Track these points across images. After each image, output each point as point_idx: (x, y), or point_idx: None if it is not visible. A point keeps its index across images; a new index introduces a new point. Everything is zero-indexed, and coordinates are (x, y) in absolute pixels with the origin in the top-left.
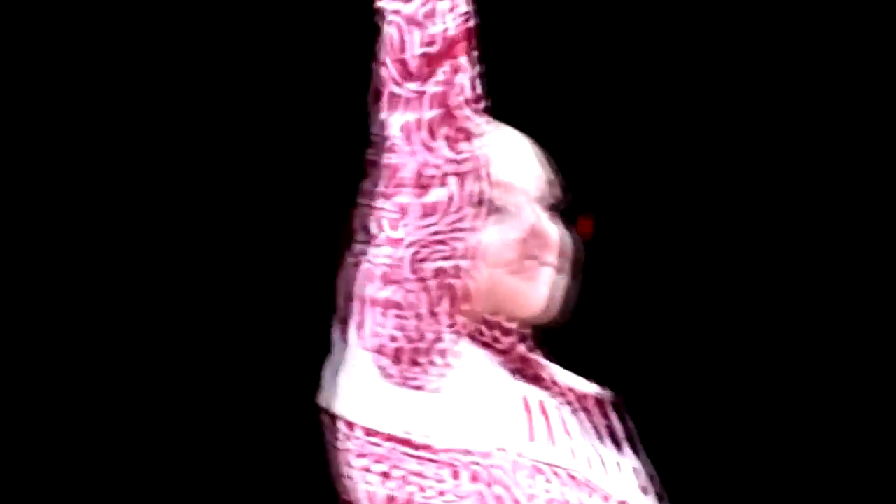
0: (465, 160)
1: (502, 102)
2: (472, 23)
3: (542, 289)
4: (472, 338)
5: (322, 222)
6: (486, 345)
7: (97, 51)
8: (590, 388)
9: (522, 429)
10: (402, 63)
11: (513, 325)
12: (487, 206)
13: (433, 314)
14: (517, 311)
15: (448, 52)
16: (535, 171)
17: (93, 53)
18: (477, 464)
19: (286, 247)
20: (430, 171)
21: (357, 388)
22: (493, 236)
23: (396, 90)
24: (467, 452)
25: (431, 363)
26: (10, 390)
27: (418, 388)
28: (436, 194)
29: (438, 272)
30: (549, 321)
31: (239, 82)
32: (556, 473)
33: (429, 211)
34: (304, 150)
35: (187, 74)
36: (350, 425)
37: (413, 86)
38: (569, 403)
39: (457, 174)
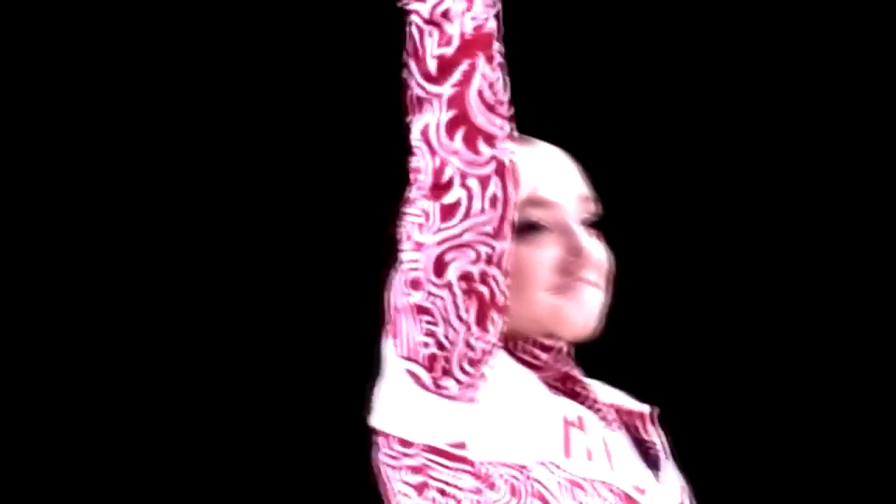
0: (486, 162)
1: (529, 117)
2: (492, 25)
3: (584, 307)
4: (511, 353)
5: (373, 232)
6: (525, 361)
7: (115, 51)
8: (631, 403)
9: (559, 443)
10: (421, 64)
11: (553, 343)
12: (527, 224)
13: (461, 320)
14: (560, 330)
15: (464, 53)
16: (572, 187)
17: (111, 54)
18: (515, 477)
19: (337, 258)
20: (448, 173)
21: (393, 398)
22: (533, 256)
23: (417, 92)
24: (505, 465)
25: (463, 372)
26: (16, 394)
27: (452, 397)
28: (454, 196)
29: (463, 276)
30: (590, 337)
31: (283, 89)
32: (594, 488)
33: (448, 213)
34: (352, 159)
35: (223, 81)
36: (387, 436)
37: (431, 87)
38: (609, 420)
39: (477, 177)
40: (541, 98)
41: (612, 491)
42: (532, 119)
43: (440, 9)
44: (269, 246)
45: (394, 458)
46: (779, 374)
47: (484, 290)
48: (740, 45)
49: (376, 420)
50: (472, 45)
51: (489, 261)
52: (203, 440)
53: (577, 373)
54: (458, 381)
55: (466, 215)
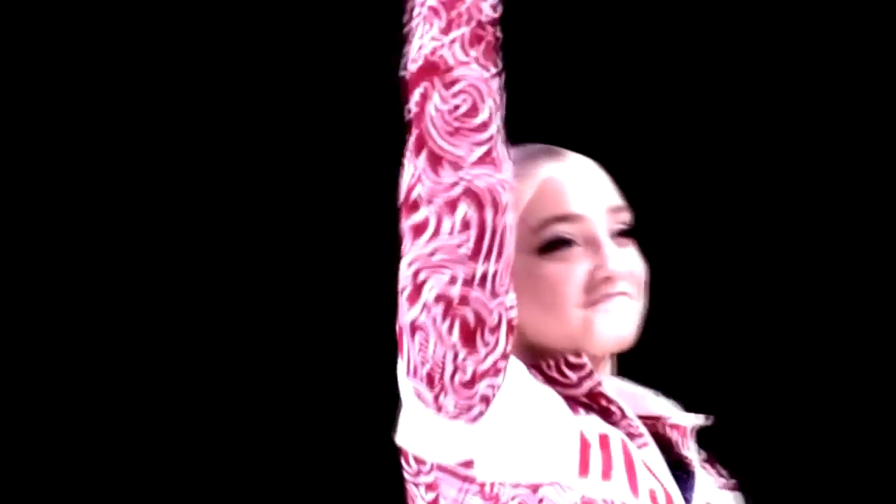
0: (450, 186)
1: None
2: (448, 53)
3: (616, 320)
4: (541, 370)
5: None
6: (553, 379)
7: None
8: (678, 415)
9: (574, 463)
10: (400, 81)
11: (579, 361)
12: (555, 240)
13: (443, 341)
14: (593, 345)
15: (420, 75)
16: (601, 198)
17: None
18: (522, 497)
19: (375, 271)
20: (417, 192)
21: (406, 417)
22: (562, 272)
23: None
24: (513, 485)
25: (458, 393)
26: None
27: (454, 416)
28: (421, 216)
29: (440, 298)
30: (625, 349)
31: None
32: None
33: (416, 233)
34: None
35: (234, 86)
36: (405, 455)
37: (407, 105)
38: (639, 437)
39: (444, 200)
40: (572, 108)
41: None
42: (566, 129)
43: (408, 27)
44: (301, 258)
45: (413, 475)
46: (817, 375)
47: (466, 312)
48: (773, 51)
49: (398, 437)
50: (424, 69)
51: (469, 283)
52: (232, 460)
53: (606, 390)
54: (455, 400)
55: (435, 236)
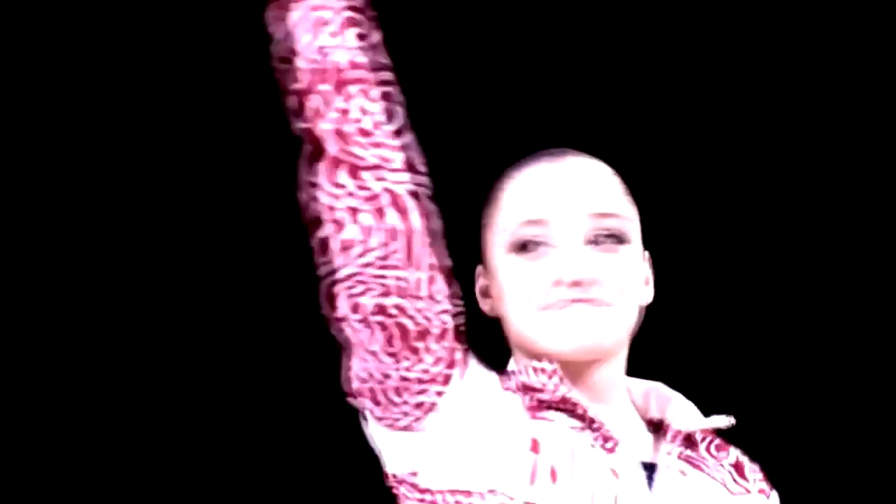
0: (347, 195)
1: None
2: (337, 58)
3: (573, 326)
4: (515, 374)
5: None
6: (526, 384)
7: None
8: (678, 419)
9: (523, 471)
10: (287, 102)
11: (544, 365)
12: (520, 243)
13: (368, 352)
14: (551, 349)
15: (312, 86)
16: (578, 203)
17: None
18: None
19: None
20: (316, 209)
21: (370, 433)
22: (525, 274)
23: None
24: (457, 492)
25: (394, 403)
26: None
27: (404, 428)
28: (325, 231)
29: (377, 310)
30: (588, 357)
31: None
32: None
33: (321, 248)
34: None
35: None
36: (383, 467)
37: (297, 123)
38: (610, 440)
39: (346, 208)
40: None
41: None
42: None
43: (288, 46)
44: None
45: (390, 487)
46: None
47: (387, 321)
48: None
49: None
50: (317, 78)
51: (402, 293)
52: (232, 460)
53: (576, 395)
54: (404, 413)
55: (341, 250)
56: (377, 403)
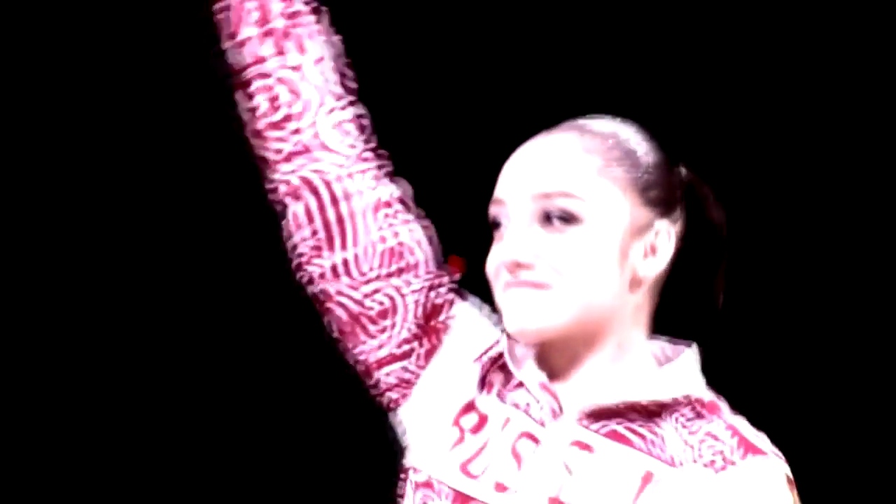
0: (273, 183)
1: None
2: (236, 58)
3: (516, 309)
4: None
5: None
6: (493, 361)
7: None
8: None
9: (444, 447)
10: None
11: (499, 348)
12: (490, 222)
13: (342, 335)
14: (508, 329)
15: (234, 78)
16: (531, 182)
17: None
18: (404, 480)
19: None
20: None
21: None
22: (491, 253)
23: None
24: (405, 469)
25: (367, 382)
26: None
27: (389, 407)
28: (286, 223)
29: (314, 298)
30: (535, 339)
31: None
32: (440, 491)
33: (287, 237)
34: None
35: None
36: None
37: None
38: (539, 422)
39: (276, 197)
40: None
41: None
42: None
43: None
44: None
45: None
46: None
47: (334, 308)
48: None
49: None
50: (234, 74)
51: (333, 274)
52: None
53: (528, 370)
54: (378, 391)
55: (289, 236)
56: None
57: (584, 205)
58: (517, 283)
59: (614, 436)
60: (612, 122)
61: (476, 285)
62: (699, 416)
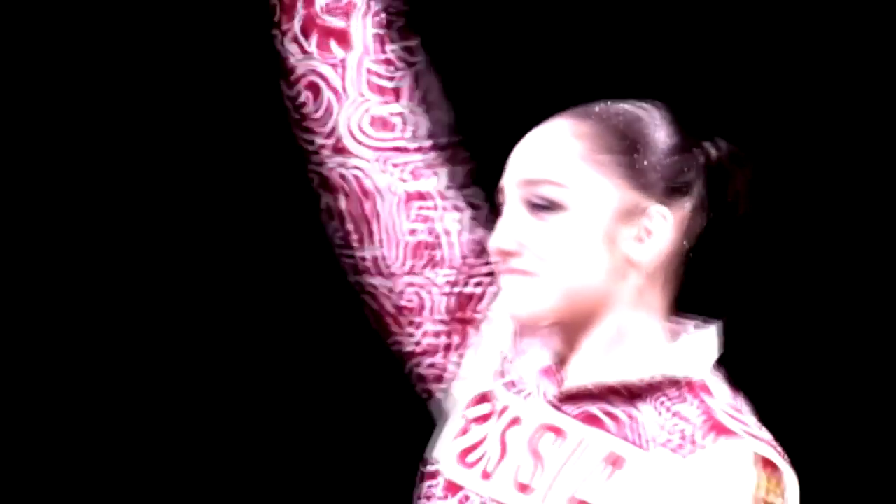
0: (317, 174)
1: None
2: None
3: (505, 296)
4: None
5: None
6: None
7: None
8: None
9: (448, 438)
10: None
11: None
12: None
13: (377, 327)
14: (504, 313)
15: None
16: (520, 169)
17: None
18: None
19: None
20: None
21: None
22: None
23: None
24: (425, 461)
25: (411, 376)
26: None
27: (425, 399)
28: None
29: (358, 289)
30: (527, 324)
31: None
32: (439, 482)
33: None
34: None
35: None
36: None
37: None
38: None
39: (320, 188)
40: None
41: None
42: None
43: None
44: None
45: None
46: None
47: (374, 298)
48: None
49: None
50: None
51: (364, 270)
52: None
53: (517, 363)
54: (415, 383)
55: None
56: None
57: (566, 192)
58: (507, 271)
59: (589, 419)
60: (616, 105)
61: None
62: (682, 398)
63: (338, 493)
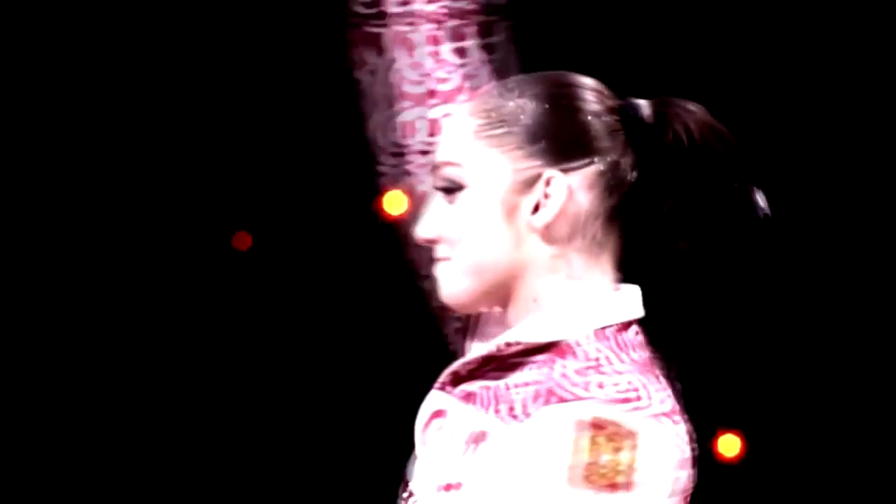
0: None
1: None
2: None
3: (436, 282)
4: None
5: None
6: None
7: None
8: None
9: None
10: None
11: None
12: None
13: None
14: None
15: None
16: (440, 149)
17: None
18: None
19: None
20: None
21: None
22: None
23: None
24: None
25: None
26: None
27: None
28: None
29: None
30: (458, 311)
31: None
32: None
33: None
34: None
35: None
36: None
37: None
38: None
39: None
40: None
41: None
42: None
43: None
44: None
45: None
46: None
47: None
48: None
49: None
50: None
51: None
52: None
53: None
54: None
55: None
56: None
57: (462, 170)
58: (434, 259)
59: (466, 397)
60: (516, 78)
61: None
62: (542, 363)
63: (338, 494)
